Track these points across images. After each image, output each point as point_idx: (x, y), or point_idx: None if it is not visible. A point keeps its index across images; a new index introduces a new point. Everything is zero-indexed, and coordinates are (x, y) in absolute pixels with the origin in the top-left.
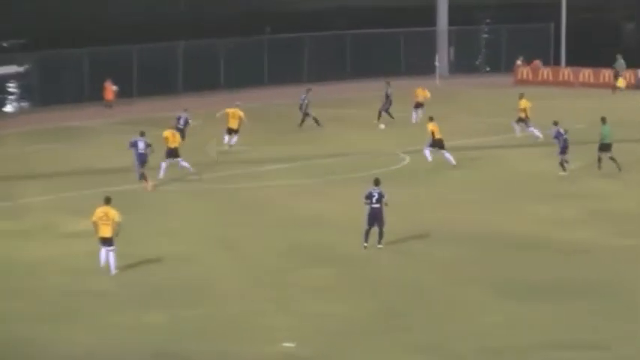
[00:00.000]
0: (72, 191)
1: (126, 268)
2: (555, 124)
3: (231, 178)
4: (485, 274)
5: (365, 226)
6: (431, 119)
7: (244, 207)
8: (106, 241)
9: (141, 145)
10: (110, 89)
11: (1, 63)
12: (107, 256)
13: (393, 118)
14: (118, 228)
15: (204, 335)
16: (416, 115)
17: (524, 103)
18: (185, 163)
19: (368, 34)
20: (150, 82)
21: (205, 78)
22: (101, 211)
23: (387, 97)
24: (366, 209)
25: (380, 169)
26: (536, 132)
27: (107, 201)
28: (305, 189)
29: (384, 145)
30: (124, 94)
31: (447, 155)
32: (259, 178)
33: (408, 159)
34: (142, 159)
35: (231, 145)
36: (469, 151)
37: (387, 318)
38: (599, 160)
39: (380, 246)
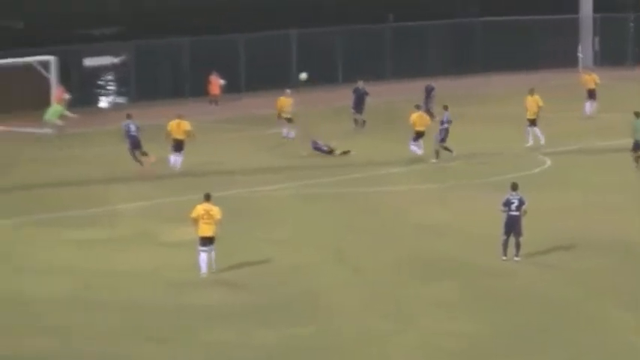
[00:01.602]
0: (169, 196)
1: (231, 279)
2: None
3: (348, 182)
4: (628, 287)
5: (502, 236)
6: (417, 107)
7: (361, 213)
8: (208, 241)
9: (132, 127)
10: (216, 83)
11: (94, 54)
12: (208, 256)
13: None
14: (218, 225)
15: (317, 354)
16: (590, 106)
17: None
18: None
19: (499, 22)
20: (259, 75)
21: (321, 71)
22: (202, 208)
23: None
24: (503, 217)
25: (515, 173)
26: None
27: (207, 197)
28: (429, 194)
29: (520, 145)
30: (229, 88)
31: (413, 147)
32: (378, 182)
33: (548, 162)
34: (134, 141)
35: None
36: (613, 153)
37: (518, 337)
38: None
39: (517, 258)
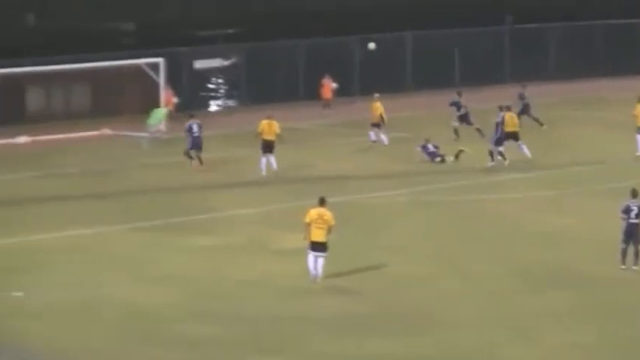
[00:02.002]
0: (280, 203)
1: (344, 288)
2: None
3: (460, 189)
4: None
5: (620, 245)
6: (504, 108)
7: (474, 221)
8: (319, 247)
9: (195, 127)
10: (329, 87)
11: (204, 56)
12: (316, 263)
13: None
14: (331, 231)
15: None
16: None
17: None
18: (273, 161)
19: (627, 25)
20: (373, 78)
21: (436, 74)
22: (315, 212)
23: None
24: (622, 225)
25: (635, 180)
26: None
27: (322, 202)
28: (544, 201)
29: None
30: (343, 92)
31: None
32: (492, 189)
33: None
34: (197, 142)
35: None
36: None
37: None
38: None
39: (635, 267)
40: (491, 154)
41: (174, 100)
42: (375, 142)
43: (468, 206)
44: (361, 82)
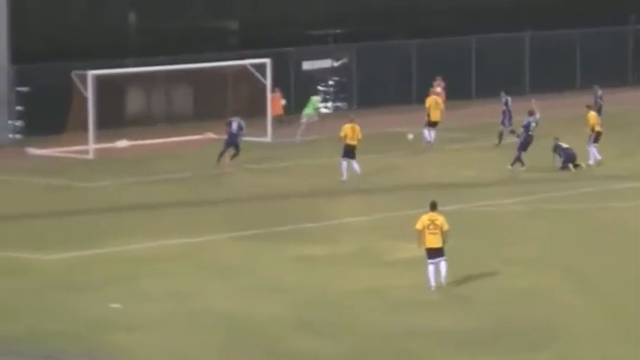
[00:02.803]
0: (393, 210)
1: (461, 300)
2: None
3: (578, 197)
4: None
5: None
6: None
7: (595, 231)
8: (436, 253)
9: (234, 125)
10: (278, 102)
11: (311, 57)
12: (436, 269)
13: None
14: (446, 237)
15: None
16: None
17: None
18: (356, 166)
19: None
20: (490, 80)
21: (556, 76)
22: (427, 218)
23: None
24: None
25: None
26: None
27: (433, 207)
28: None
29: None
30: (459, 94)
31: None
32: (612, 197)
33: None
34: (231, 140)
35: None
36: None
37: None
38: None
39: None
40: (519, 159)
41: (283, 102)
42: (429, 142)
43: (588, 215)
44: (477, 84)
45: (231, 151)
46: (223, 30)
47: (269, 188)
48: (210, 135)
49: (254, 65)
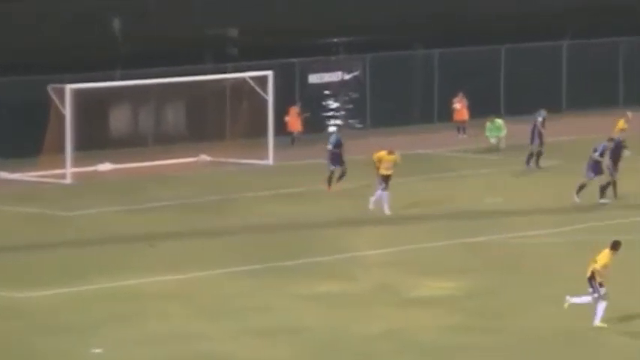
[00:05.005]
0: (415, 242)
1: (497, 345)
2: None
3: (627, 226)
4: None
5: None
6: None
7: None
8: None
9: (331, 139)
10: (463, 106)
11: (319, 69)
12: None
13: None
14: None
15: None
16: None
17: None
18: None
19: None
20: (524, 94)
21: (598, 91)
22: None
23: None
24: None
25: None
26: None
27: (614, 246)
28: None
29: None
30: (483, 111)
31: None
32: None
33: None
34: (330, 157)
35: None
36: None
37: None
38: None
39: None
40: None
41: (305, 114)
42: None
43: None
44: (506, 99)
45: (334, 170)
46: (221, 38)
47: (275, 217)
48: (205, 157)
49: (255, 78)
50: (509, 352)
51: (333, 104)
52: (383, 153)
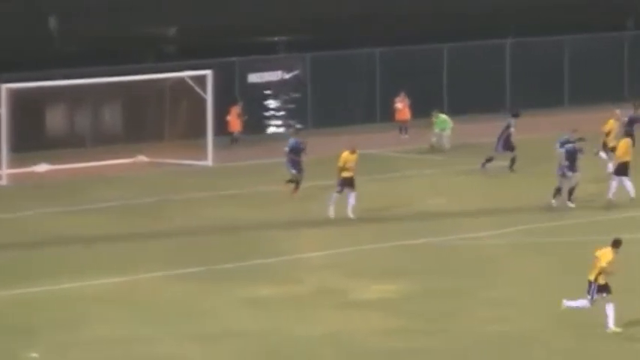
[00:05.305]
0: (356, 244)
1: (433, 348)
2: None
3: (573, 228)
4: None
5: None
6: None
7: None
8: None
9: (290, 142)
10: (405, 105)
11: (260, 68)
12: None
13: None
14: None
15: None
16: None
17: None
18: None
19: None
20: (467, 94)
21: (543, 90)
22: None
23: None
24: None
25: None
26: None
27: (616, 244)
28: None
29: None
30: (423, 113)
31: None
32: (616, 228)
33: None
34: (289, 161)
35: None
36: None
37: None
38: None
39: None
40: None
41: (244, 118)
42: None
43: (585, 250)
44: (449, 98)
45: (293, 173)
46: (160, 37)
47: (216, 219)
48: (143, 158)
49: (194, 78)
50: (452, 355)
51: (274, 104)
52: (346, 153)
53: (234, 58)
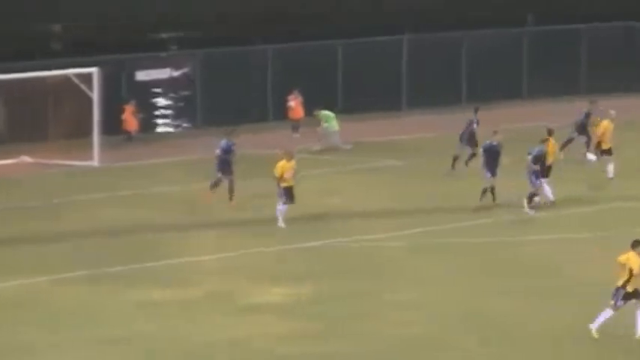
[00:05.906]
0: (250, 247)
1: (341, 352)
2: None
3: (480, 229)
4: None
5: None
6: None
7: (500, 269)
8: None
9: (221, 143)
10: (299, 104)
11: (148, 66)
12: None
13: None
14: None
15: None
16: None
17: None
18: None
19: None
20: (362, 92)
21: (439, 88)
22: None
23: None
24: None
25: None
26: None
27: (635, 245)
28: (586, 245)
29: None
30: (317, 108)
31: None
32: (521, 229)
33: None
34: (218, 163)
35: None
36: None
37: None
38: None
39: None
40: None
41: (139, 116)
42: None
43: (491, 250)
44: (344, 96)
45: (220, 177)
46: (44, 33)
47: (104, 222)
48: (26, 159)
49: (80, 75)
50: (362, 358)
51: (163, 102)
52: (282, 162)
53: (121, 56)
